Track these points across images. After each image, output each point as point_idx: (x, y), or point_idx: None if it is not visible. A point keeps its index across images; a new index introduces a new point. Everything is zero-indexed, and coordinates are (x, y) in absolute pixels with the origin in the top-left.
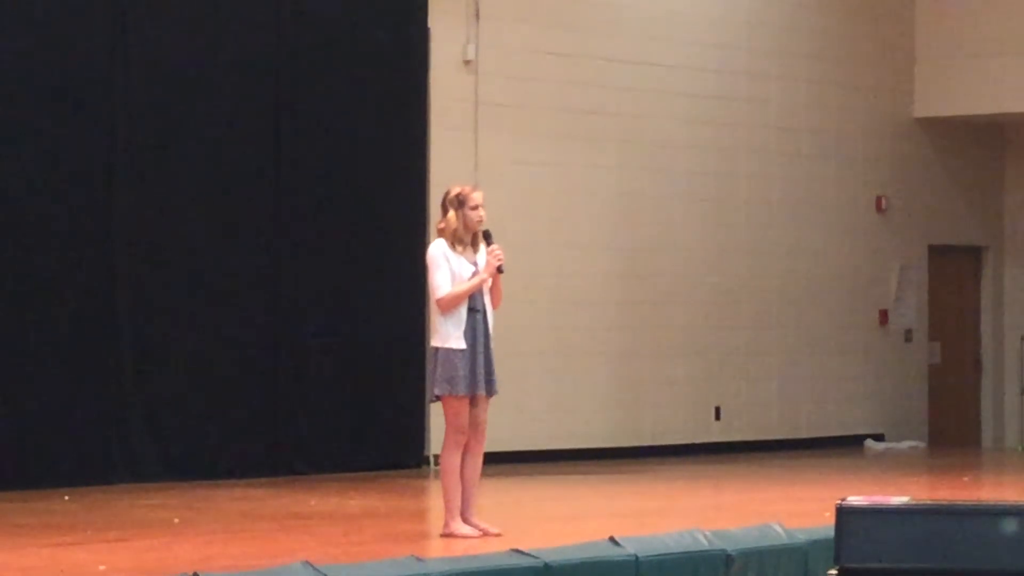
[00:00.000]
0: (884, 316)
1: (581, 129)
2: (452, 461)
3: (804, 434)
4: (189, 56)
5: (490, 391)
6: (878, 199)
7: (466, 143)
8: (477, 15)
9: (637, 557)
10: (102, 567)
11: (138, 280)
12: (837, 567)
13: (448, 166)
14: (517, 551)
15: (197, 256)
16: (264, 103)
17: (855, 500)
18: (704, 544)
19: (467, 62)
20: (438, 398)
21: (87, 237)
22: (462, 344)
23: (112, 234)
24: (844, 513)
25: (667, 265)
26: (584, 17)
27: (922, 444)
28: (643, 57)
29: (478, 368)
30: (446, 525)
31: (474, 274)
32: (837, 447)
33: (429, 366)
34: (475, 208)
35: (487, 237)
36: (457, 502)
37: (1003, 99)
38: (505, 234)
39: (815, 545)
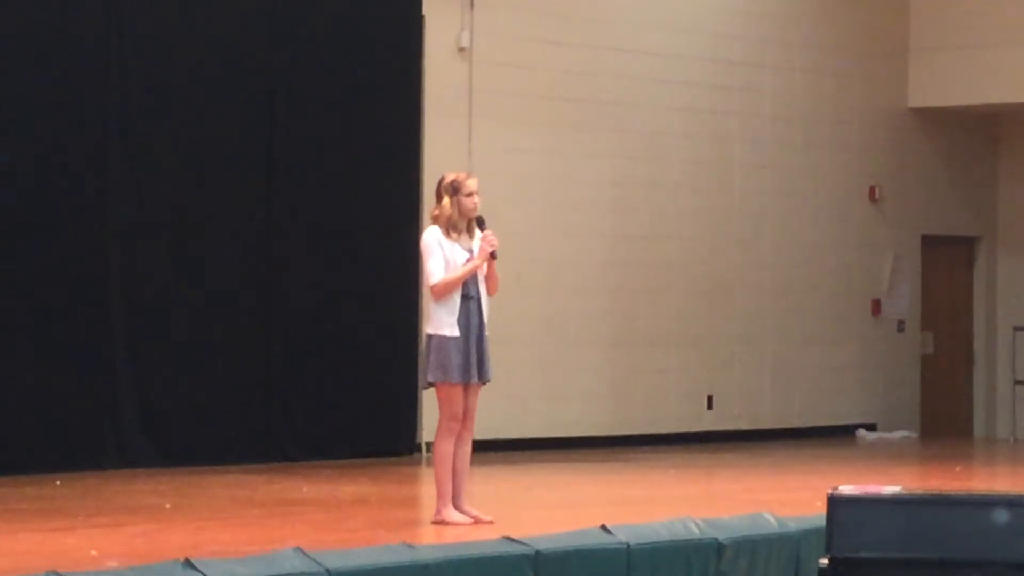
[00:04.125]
0: (877, 306)
1: (575, 117)
2: (446, 448)
3: (796, 423)
4: (182, 43)
5: (483, 378)
6: (871, 189)
7: (460, 130)
8: (471, 3)
9: (629, 545)
10: (94, 552)
11: (130, 266)
12: (828, 556)
13: (442, 153)
14: (509, 538)
15: (189, 243)
16: (257, 89)
17: (847, 489)
18: (696, 533)
19: (461, 49)
20: (431, 385)
21: (80, 224)
22: (455, 331)
23: (105, 221)
24: (836, 502)
25: (660, 254)
26: (579, 5)
27: (914, 434)
28: (638, 45)
29: (471, 355)
30: (438, 512)
31: (468, 261)
32: (829, 436)
33: (422, 353)
34: (470, 195)
35: (480, 223)
36: (449, 489)
37: (997, 90)
38: (498, 222)
39: (806, 534)
